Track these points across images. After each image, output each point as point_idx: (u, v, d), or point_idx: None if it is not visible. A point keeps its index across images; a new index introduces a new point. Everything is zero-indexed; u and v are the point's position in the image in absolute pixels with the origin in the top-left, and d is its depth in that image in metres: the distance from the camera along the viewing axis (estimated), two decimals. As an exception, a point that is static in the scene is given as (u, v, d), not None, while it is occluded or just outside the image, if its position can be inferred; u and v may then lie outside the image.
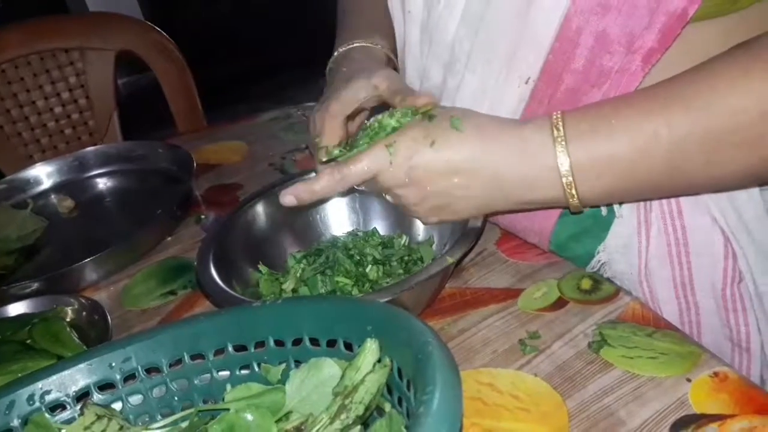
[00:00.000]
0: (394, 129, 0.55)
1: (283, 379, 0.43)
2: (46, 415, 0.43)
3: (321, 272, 0.64)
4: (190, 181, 0.90)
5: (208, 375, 0.45)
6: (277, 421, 0.40)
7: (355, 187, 0.57)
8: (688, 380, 0.49)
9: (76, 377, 0.44)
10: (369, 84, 0.60)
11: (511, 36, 0.56)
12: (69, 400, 0.43)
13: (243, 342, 0.45)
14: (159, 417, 0.46)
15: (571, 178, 0.50)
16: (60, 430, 0.43)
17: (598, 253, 0.62)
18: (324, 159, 0.59)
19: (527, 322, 0.57)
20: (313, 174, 0.61)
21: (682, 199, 0.57)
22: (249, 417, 0.40)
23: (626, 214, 0.60)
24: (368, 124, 0.57)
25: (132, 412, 0.45)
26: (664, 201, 0.58)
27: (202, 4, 3.61)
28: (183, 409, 0.45)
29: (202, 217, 0.86)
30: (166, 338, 0.45)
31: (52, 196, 0.99)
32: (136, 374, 0.45)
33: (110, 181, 1.02)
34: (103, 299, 0.73)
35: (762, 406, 0.46)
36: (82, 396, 0.44)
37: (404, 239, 0.68)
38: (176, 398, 0.46)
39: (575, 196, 0.51)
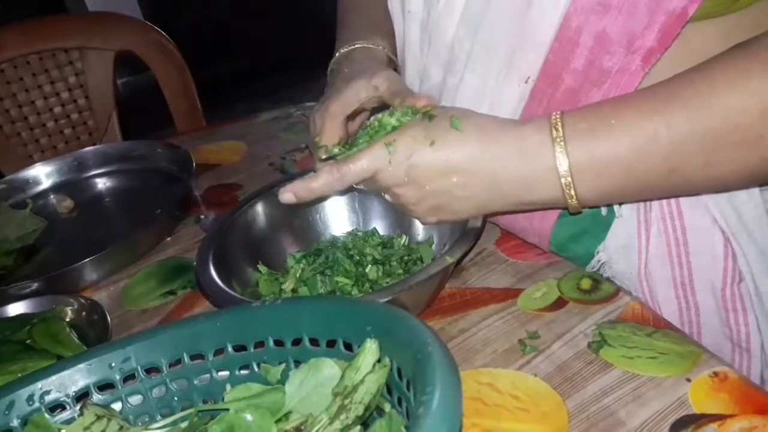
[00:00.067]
0: (394, 128, 0.55)
1: (283, 379, 0.43)
2: (46, 415, 0.43)
3: (320, 272, 0.64)
4: (190, 181, 0.90)
5: (208, 375, 0.45)
6: (276, 422, 0.40)
7: (354, 186, 0.57)
8: (688, 380, 0.49)
9: (76, 377, 0.44)
10: (369, 85, 0.61)
11: (510, 36, 0.56)
12: (69, 400, 0.43)
13: (242, 342, 0.45)
14: (159, 417, 0.45)
15: (569, 179, 0.50)
16: (60, 430, 0.42)
17: (598, 253, 0.62)
18: (323, 157, 0.59)
19: (527, 322, 0.57)
20: (313, 173, 0.61)
21: (682, 200, 0.57)
22: (249, 417, 0.40)
23: (626, 214, 0.60)
24: (368, 123, 0.57)
25: (132, 412, 0.45)
26: (664, 201, 0.58)
27: (202, 4, 3.61)
28: (183, 410, 0.45)
29: (202, 217, 0.86)
30: (165, 338, 0.45)
31: (52, 196, 0.99)
32: (136, 374, 0.45)
33: (110, 181, 1.02)
34: (102, 299, 0.73)
35: (762, 406, 0.46)
36: (82, 396, 0.44)
37: (404, 239, 0.68)
38: (176, 398, 0.46)
39: (574, 196, 0.51)
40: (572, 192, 0.51)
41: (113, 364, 0.44)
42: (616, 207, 0.60)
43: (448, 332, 0.58)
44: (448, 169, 0.52)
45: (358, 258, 0.65)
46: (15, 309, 0.69)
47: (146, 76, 1.51)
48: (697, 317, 0.61)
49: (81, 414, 0.42)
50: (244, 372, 0.45)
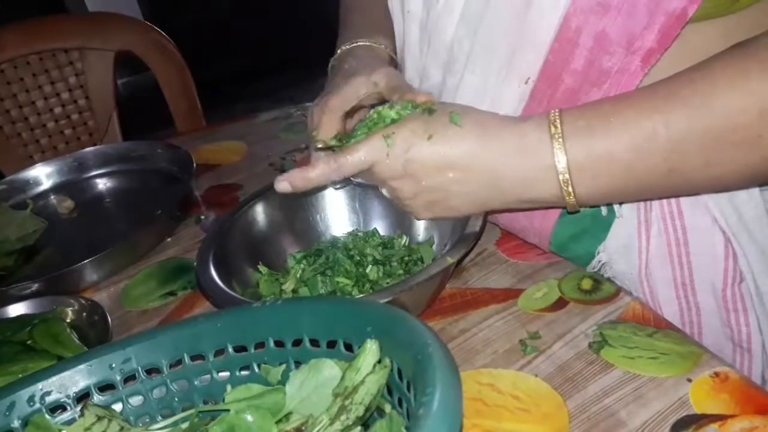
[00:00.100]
0: (393, 121, 0.55)
1: (283, 380, 0.43)
2: (47, 416, 0.43)
3: (321, 273, 0.64)
4: (190, 181, 0.90)
5: (209, 376, 0.45)
6: (277, 422, 0.40)
7: (351, 178, 0.57)
8: (689, 380, 0.49)
9: (77, 378, 0.44)
10: (369, 81, 0.61)
11: (510, 36, 0.56)
12: (69, 401, 0.43)
13: (243, 343, 0.45)
14: (159, 418, 0.46)
15: (567, 176, 0.50)
16: (60, 431, 0.43)
17: (599, 253, 0.62)
18: (319, 146, 0.59)
19: (528, 323, 0.57)
20: None
21: (682, 200, 0.57)
22: (249, 418, 0.40)
23: (626, 214, 0.60)
24: (368, 115, 0.57)
25: (132, 413, 0.45)
26: (664, 201, 0.58)
27: (202, 4, 3.61)
28: (183, 410, 0.45)
29: (202, 217, 0.86)
30: (166, 339, 0.45)
31: (52, 197, 0.99)
32: (137, 375, 0.45)
33: (110, 181, 1.02)
34: (103, 300, 0.73)
35: (763, 406, 0.46)
36: (83, 397, 0.44)
37: (404, 239, 0.68)
38: (176, 399, 0.46)
39: (572, 194, 0.51)
40: (570, 190, 0.50)
41: (114, 365, 0.44)
42: (616, 207, 0.60)
43: (449, 333, 0.58)
44: (445, 165, 0.52)
45: (358, 258, 0.65)
46: (16, 310, 0.69)
47: (146, 76, 1.51)
48: (697, 317, 0.61)
49: (82, 415, 0.42)
50: (244, 373, 0.45)
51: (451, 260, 0.55)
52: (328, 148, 0.58)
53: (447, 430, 0.30)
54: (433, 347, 0.35)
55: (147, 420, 0.45)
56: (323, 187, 0.69)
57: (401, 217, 0.69)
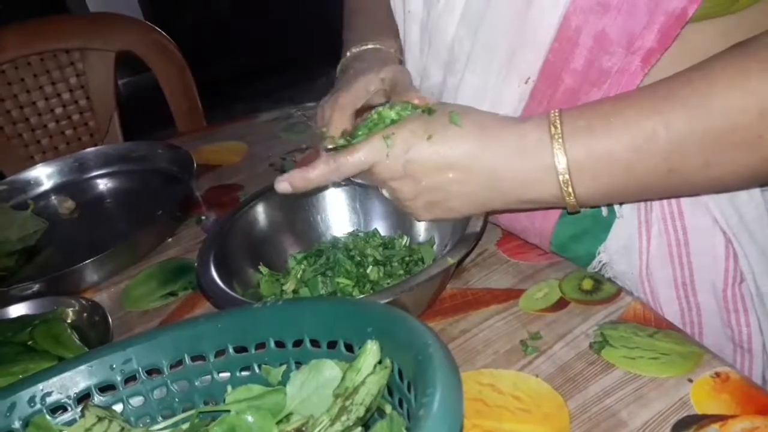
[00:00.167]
0: (393, 121, 0.55)
1: (284, 380, 0.43)
2: (47, 416, 0.43)
3: (322, 273, 0.64)
4: (191, 181, 0.90)
5: (209, 376, 0.45)
6: (277, 423, 0.40)
7: (351, 178, 0.57)
8: (690, 381, 0.49)
9: (77, 379, 0.44)
10: (377, 77, 0.61)
11: (510, 36, 0.56)
12: (70, 401, 0.43)
13: (244, 343, 0.45)
14: (160, 418, 0.46)
15: (567, 176, 0.50)
16: (61, 431, 0.43)
17: (599, 253, 0.62)
18: (329, 147, 0.59)
19: (528, 323, 0.57)
20: None
21: (682, 200, 0.57)
22: (250, 418, 0.40)
23: (627, 215, 0.60)
24: (369, 115, 0.57)
25: (133, 413, 0.45)
26: (664, 202, 0.58)
27: (202, 4, 3.61)
28: (184, 411, 0.45)
29: (203, 218, 0.86)
30: (166, 340, 0.45)
31: (53, 197, 0.99)
32: (137, 376, 0.45)
33: (111, 181, 1.02)
34: (103, 300, 0.73)
35: (764, 407, 0.46)
36: (83, 398, 0.44)
37: (405, 240, 0.68)
38: (177, 400, 0.46)
39: (572, 194, 0.51)
40: (570, 190, 0.50)
41: (114, 366, 0.44)
42: (616, 207, 0.60)
43: (450, 333, 0.58)
44: (445, 165, 0.52)
45: (359, 259, 0.65)
46: (16, 310, 0.69)
47: (147, 76, 1.51)
48: (698, 318, 0.61)
49: (82, 415, 0.42)
50: (245, 373, 0.45)
51: (451, 261, 0.55)
52: (336, 149, 0.58)
53: (447, 431, 0.30)
54: (434, 348, 0.35)
55: (147, 420, 0.45)
56: (324, 188, 0.69)
57: (402, 218, 0.69)
